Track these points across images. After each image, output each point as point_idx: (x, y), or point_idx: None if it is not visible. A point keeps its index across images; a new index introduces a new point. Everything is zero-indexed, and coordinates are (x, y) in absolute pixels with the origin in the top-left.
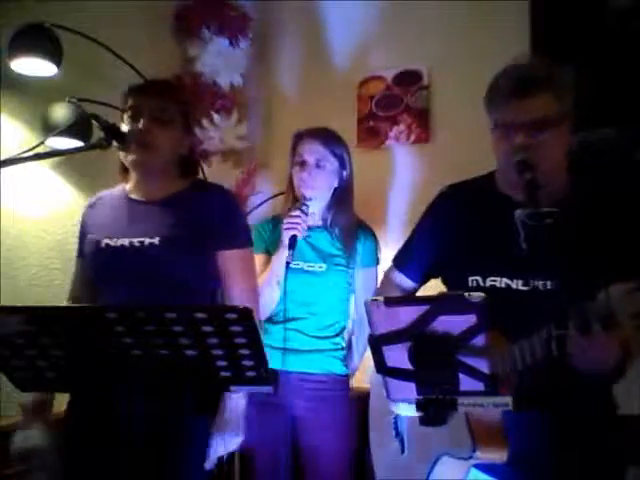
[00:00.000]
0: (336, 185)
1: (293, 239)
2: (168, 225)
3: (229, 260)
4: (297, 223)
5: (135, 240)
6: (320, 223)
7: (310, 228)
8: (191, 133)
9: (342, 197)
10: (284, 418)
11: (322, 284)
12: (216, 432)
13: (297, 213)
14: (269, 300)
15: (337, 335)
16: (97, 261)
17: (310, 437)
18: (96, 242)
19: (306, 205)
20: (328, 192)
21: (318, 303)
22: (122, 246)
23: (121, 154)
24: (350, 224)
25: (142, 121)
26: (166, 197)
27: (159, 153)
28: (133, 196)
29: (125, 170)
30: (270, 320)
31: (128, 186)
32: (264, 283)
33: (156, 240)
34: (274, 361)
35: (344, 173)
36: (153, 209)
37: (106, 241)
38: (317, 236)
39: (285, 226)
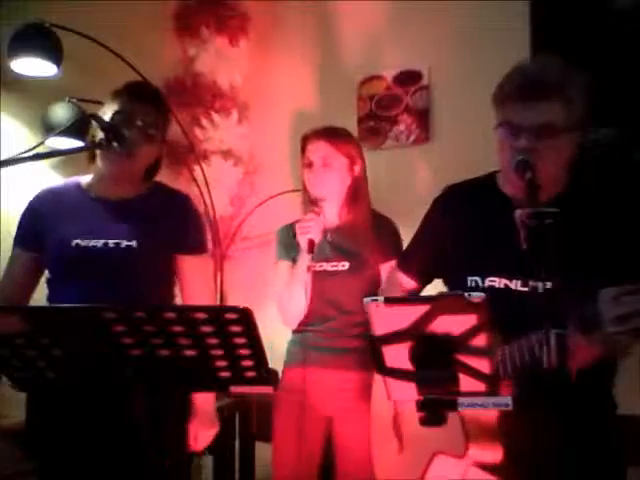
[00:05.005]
0: (349, 182)
1: (311, 243)
2: (144, 228)
3: (192, 265)
4: (309, 227)
5: (110, 242)
6: (337, 222)
7: (328, 228)
8: (165, 142)
9: (356, 193)
10: (319, 419)
11: (347, 282)
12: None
13: (309, 216)
14: (298, 305)
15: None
16: (65, 260)
17: (347, 437)
18: (64, 240)
19: (318, 207)
20: (340, 190)
21: (346, 301)
22: (94, 247)
23: (100, 152)
24: (366, 220)
25: (131, 131)
26: (132, 198)
27: (139, 165)
28: (95, 193)
29: (92, 160)
30: (306, 322)
31: (84, 180)
32: (291, 289)
33: (134, 243)
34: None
35: (355, 169)
36: (123, 210)
37: (77, 241)
38: (336, 235)
39: (299, 231)
